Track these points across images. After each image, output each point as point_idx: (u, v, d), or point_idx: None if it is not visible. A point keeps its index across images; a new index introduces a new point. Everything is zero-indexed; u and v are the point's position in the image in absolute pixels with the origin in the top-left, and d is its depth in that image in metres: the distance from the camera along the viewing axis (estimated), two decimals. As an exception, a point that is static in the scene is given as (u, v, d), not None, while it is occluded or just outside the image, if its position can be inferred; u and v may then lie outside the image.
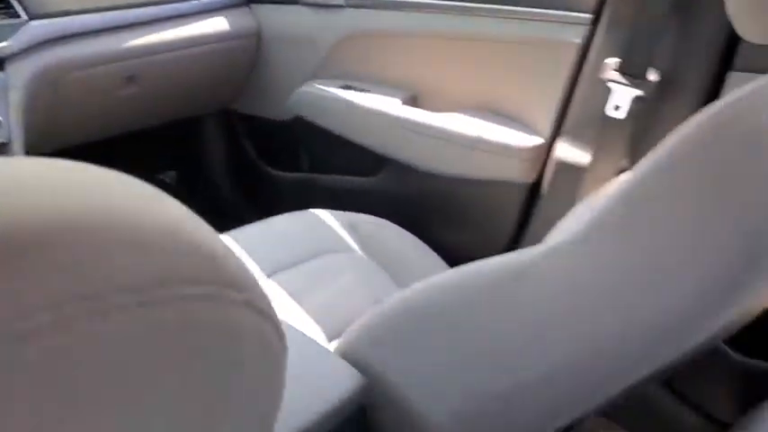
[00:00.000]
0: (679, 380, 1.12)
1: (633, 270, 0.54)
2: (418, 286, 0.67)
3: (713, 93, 1.05)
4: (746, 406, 0.90)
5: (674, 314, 0.52)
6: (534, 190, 1.24)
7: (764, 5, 0.57)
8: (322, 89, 1.45)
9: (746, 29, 0.60)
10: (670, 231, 0.53)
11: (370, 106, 1.37)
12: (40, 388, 0.18)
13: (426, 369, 0.62)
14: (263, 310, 0.24)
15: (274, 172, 1.66)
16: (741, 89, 0.61)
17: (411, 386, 0.62)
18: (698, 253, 0.51)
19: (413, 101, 1.39)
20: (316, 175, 1.58)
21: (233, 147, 1.75)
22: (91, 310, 0.19)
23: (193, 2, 1.44)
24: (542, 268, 0.60)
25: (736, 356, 1.08)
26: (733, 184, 0.53)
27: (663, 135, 0.59)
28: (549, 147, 1.20)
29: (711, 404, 1.02)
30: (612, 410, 1.19)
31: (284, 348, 0.26)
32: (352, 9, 1.43)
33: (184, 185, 1.88)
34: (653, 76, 1.04)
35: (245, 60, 1.55)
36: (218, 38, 1.47)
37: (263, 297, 0.24)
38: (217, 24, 1.47)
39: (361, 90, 1.41)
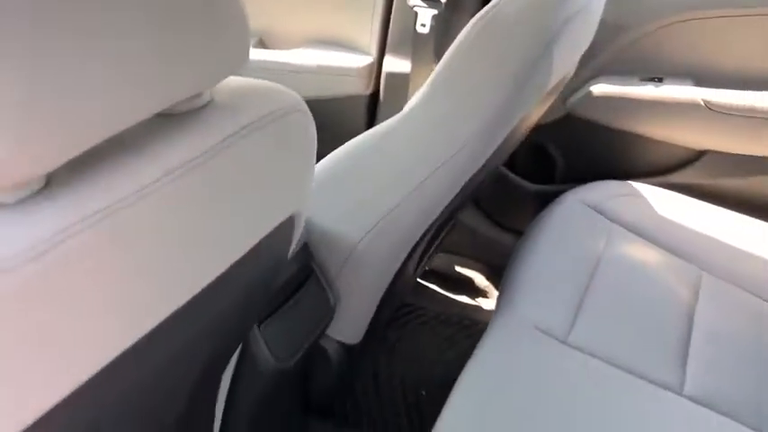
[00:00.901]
0: (491, 208, 1.57)
1: (442, 116, 0.91)
2: (322, 160, 1.00)
3: (485, 2, 1.45)
4: (531, 217, 1.35)
5: (472, 140, 0.91)
6: (373, 100, 1.60)
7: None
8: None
9: None
10: (466, 90, 0.90)
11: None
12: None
13: (340, 206, 0.96)
14: (306, 111, 0.56)
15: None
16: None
17: (334, 219, 0.95)
18: (480, 94, 0.89)
19: (261, 43, 1.67)
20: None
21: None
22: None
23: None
24: (398, 127, 0.96)
25: (524, 183, 1.54)
26: (499, 53, 0.91)
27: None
28: (378, 63, 1.55)
29: (511, 220, 1.45)
30: (447, 246, 1.62)
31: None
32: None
33: None
34: (443, -3, 1.42)
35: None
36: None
37: (304, 104, 0.56)
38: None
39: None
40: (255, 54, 1.61)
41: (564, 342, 1.00)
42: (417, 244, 1.05)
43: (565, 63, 1.00)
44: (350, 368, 1.17)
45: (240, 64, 0.45)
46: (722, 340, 1.07)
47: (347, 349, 1.11)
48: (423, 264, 1.39)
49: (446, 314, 1.57)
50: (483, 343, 1.01)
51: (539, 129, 1.48)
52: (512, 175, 1.54)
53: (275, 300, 0.92)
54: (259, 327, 0.89)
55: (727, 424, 0.94)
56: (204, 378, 0.72)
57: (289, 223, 0.59)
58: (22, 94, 0.30)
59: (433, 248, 1.39)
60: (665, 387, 0.97)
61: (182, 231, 0.44)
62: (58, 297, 0.34)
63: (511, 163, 1.57)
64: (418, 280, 1.66)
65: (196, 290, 0.49)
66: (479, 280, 1.65)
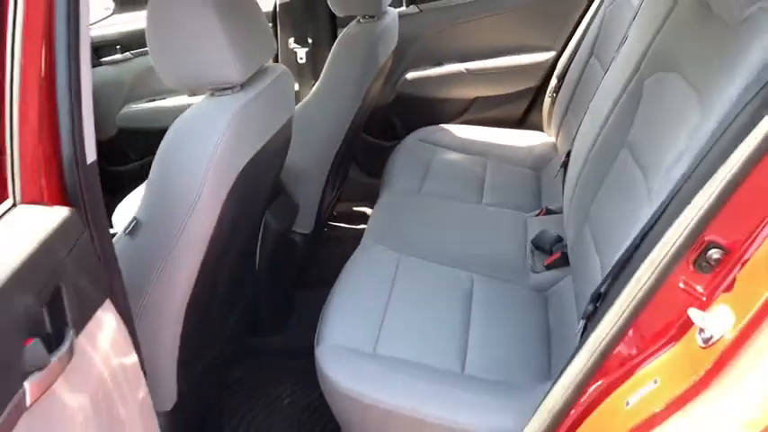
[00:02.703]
0: (367, 166, 2.51)
1: (328, 92, 1.84)
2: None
3: (334, 38, 2.41)
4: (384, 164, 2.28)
5: (344, 101, 1.84)
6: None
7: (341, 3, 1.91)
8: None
9: (334, 8, 1.94)
10: (336, 78, 1.84)
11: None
12: None
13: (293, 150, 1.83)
14: (289, 72, 1.45)
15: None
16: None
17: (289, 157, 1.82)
18: (344, 78, 1.82)
19: (192, 92, 2.51)
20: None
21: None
22: None
23: None
24: (307, 105, 1.88)
25: (382, 143, 2.50)
26: (349, 56, 1.85)
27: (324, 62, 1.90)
28: (276, 88, 2.45)
29: (380, 168, 2.36)
30: (344, 198, 2.53)
31: None
32: None
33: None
34: (310, 40, 2.35)
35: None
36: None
37: (288, 70, 1.45)
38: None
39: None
40: (197, 98, 2.45)
41: (418, 193, 1.95)
42: (331, 167, 1.94)
43: (384, 55, 1.96)
44: (310, 251, 2.03)
45: (274, 49, 1.34)
46: (502, 181, 2.06)
47: (305, 237, 1.97)
48: (335, 197, 2.28)
49: (355, 236, 2.46)
50: (376, 205, 1.93)
51: (384, 108, 2.44)
52: (374, 141, 2.50)
53: (271, 201, 1.77)
54: (269, 210, 1.74)
55: (510, 212, 1.90)
56: (258, 219, 1.57)
57: (291, 119, 1.47)
58: (243, 44, 1.17)
59: (336, 193, 2.28)
60: (472, 203, 1.93)
61: (275, 103, 1.32)
62: (252, 115, 1.21)
63: (373, 134, 2.52)
64: (333, 223, 2.54)
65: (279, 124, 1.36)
66: (369, 212, 2.56)
